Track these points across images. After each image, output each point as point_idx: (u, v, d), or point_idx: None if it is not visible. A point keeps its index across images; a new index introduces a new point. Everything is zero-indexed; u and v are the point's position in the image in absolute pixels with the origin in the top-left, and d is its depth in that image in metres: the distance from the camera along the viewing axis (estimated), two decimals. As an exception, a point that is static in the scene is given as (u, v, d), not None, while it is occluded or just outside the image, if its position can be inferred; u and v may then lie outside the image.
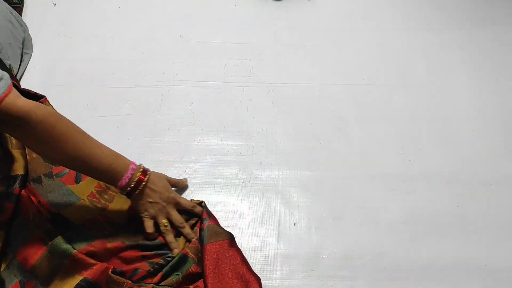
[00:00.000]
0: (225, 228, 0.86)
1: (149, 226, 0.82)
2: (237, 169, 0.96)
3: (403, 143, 1.03)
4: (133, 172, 0.80)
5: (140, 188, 0.80)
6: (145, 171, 0.82)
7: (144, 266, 0.80)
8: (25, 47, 1.11)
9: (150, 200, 0.82)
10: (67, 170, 0.89)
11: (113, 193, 0.88)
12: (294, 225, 0.90)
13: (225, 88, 1.11)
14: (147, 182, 0.81)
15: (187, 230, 0.84)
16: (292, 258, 0.86)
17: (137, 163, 0.83)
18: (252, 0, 1.31)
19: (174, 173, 0.95)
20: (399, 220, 0.92)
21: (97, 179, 0.85)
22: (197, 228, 0.86)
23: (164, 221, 0.83)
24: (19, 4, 1.20)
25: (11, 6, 1.15)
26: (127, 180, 0.79)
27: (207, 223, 0.85)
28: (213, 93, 1.10)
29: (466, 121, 1.08)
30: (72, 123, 0.76)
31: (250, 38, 1.21)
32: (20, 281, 0.78)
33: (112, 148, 0.80)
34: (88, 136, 0.77)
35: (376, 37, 1.24)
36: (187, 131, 1.02)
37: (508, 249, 0.89)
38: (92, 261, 0.77)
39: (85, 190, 0.88)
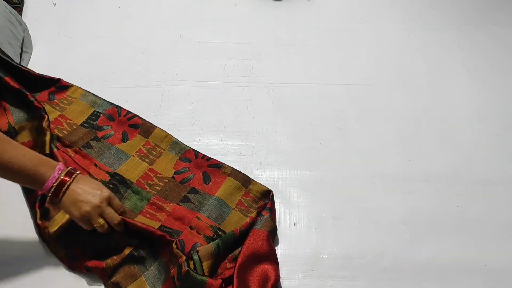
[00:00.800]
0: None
1: (86, 227, 0.77)
2: (237, 169, 0.96)
3: (403, 143, 1.03)
4: (60, 173, 0.73)
5: (63, 190, 0.73)
6: (70, 173, 0.75)
7: (201, 241, 0.84)
8: (24, 46, 1.11)
9: (80, 199, 0.74)
10: (112, 132, 0.98)
11: (161, 150, 0.97)
12: (294, 225, 0.90)
13: (225, 88, 1.11)
14: (71, 183, 0.74)
15: (119, 228, 0.79)
16: (292, 258, 0.86)
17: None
18: (252, 0, 1.31)
19: (174, 173, 0.95)
20: (399, 220, 0.92)
21: (23, 184, 0.82)
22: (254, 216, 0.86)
23: (100, 221, 0.76)
24: (19, 4, 1.20)
25: (11, 6, 1.15)
26: (53, 181, 0.73)
27: (270, 214, 0.86)
28: (213, 93, 1.10)
29: (466, 121, 1.08)
30: None
31: (250, 38, 1.21)
32: (82, 245, 0.82)
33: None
34: (8, 139, 0.72)
35: (376, 37, 1.24)
36: (187, 131, 1.02)
37: (508, 249, 0.89)
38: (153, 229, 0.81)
39: (132, 148, 0.97)
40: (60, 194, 0.74)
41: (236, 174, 0.93)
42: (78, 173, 0.76)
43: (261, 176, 0.96)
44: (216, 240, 0.81)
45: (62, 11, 1.24)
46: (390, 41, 1.23)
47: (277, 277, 0.80)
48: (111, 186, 0.90)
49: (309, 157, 1.00)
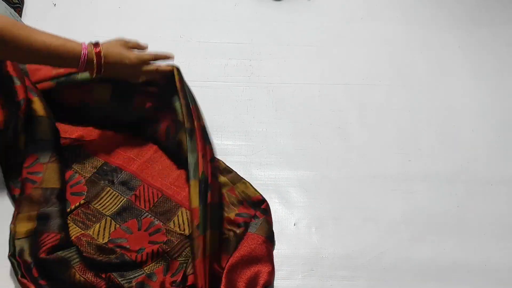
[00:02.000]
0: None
1: (135, 79, 0.92)
2: (237, 169, 0.96)
3: (403, 143, 1.03)
4: (86, 47, 0.82)
5: (103, 58, 0.83)
6: (96, 44, 0.84)
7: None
8: None
9: (126, 62, 0.87)
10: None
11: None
12: (294, 225, 0.91)
13: (225, 88, 1.11)
14: (103, 50, 0.84)
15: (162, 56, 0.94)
16: (292, 258, 0.86)
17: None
18: (252, 0, 1.31)
19: (174, 173, 0.95)
20: (399, 220, 0.92)
21: (57, 65, 0.89)
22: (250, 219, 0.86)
23: (149, 67, 0.91)
24: (19, 4, 1.20)
25: (11, 6, 1.15)
26: (86, 56, 0.81)
27: (265, 216, 0.86)
28: (213, 93, 1.10)
29: (466, 121, 1.08)
30: (15, 22, 0.77)
31: (250, 38, 1.21)
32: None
33: None
34: (35, 30, 0.79)
35: (376, 37, 1.24)
36: (187, 131, 1.02)
37: (508, 249, 0.89)
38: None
39: None
40: (106, 67, 0.84)
41: (227, 171, 0.93)
42: (102, 43, 0.85)
43: (261, 176, 0.96)
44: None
45: (62, 11, 1.24)
46: (390, 41, 1.23)
47: (268, 281, 0.79)
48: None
49: (309, 157, 1.00)
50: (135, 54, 0.89)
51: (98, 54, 0.83)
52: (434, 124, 1.07)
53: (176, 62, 1.15)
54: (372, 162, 1.00)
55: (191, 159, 0.85)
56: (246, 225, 0.84)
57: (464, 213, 0.93)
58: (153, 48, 1.17)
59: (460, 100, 1.12)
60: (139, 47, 0.93)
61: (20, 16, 1.19)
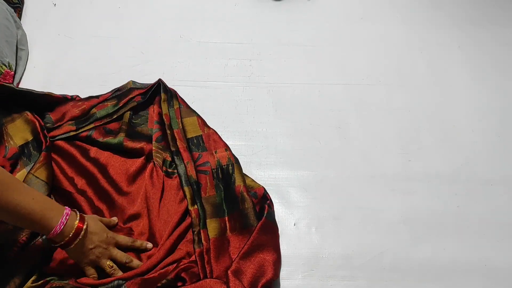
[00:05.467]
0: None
1: (92, 273, 0.76)
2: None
3: (403, 143, 1.03)
4: (68, 218, 0.72)
5: (80, 238, 0.73)
6: (82, 218, 0.74)
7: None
8: (20, 43, 1.11)
9: (91, 246, 0.75)
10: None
11: None
12: (294, 225, 0.91)
13: (225, 88, 1.11)
14: (86, 229, 0.73)
15: (135, 263, 0.79)
16: (292, 258, 0.86)
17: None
18: (252, 0, 1.31)
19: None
20: (399, 220, 0.92)
21: (26, 228, 0.77)
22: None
23: (109, 263, 0.77)
24: (19, 4, 1.20)
25: (11, 6, 1.15)
26: (61, 227, 0.70)
27: (269, 210, 0.87)
28: (213, 93, 1.10)
29: (466, 121, 1.08)
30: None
31: (250, 38, 1.21)
32: None
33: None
34: (17, 182, 0.70)
35: (376, 37, 1.24)
36: (187, 131, 1.02)
37: (508, 249, 0.89)
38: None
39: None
40: (72, 246, 0.73)
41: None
42: (87, 217, 0.76)
43: (261, 176, 0.96)
44: (220, 193, 0.86)
45: (62, 11, 1.24)
46: (390, 41, 1.23)
47: (274, 275, 0.79)
48: None
49: (309, 157, 1.00)
50: (112, 233, 0.79)
51: (79, 228, 0.73)
52: (434, 124, 1.07)
53: (176, 62, 1.15)
54: (372, 162, 1.00)
55: (180, 170, 0.90)
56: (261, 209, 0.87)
57: (464, 213, 0.93)
58: (153, 48, 1.17)
59: (460, 100, 1.12)
60: (110, 224, 0.83)
61: (20, 16, 1.19)
